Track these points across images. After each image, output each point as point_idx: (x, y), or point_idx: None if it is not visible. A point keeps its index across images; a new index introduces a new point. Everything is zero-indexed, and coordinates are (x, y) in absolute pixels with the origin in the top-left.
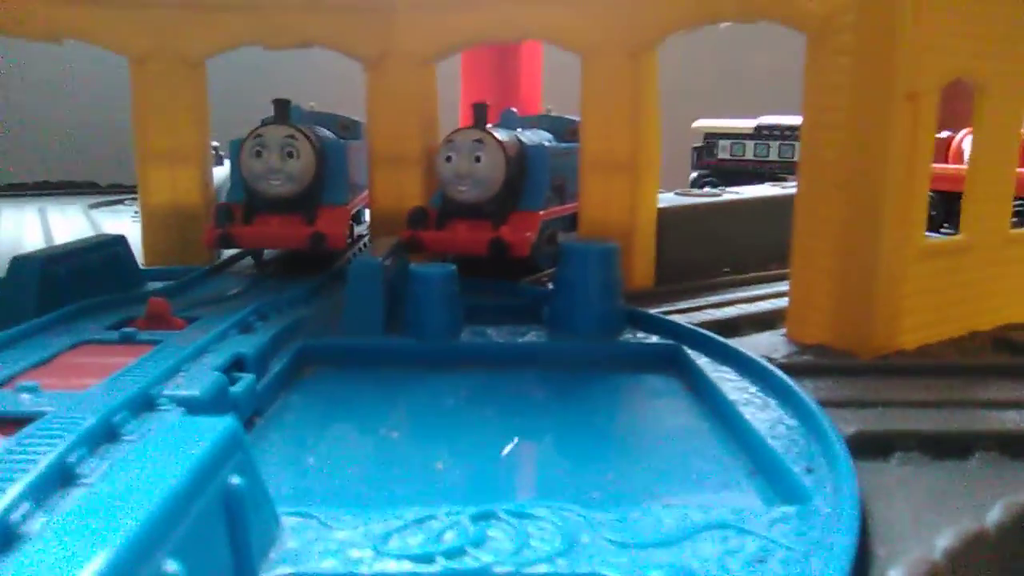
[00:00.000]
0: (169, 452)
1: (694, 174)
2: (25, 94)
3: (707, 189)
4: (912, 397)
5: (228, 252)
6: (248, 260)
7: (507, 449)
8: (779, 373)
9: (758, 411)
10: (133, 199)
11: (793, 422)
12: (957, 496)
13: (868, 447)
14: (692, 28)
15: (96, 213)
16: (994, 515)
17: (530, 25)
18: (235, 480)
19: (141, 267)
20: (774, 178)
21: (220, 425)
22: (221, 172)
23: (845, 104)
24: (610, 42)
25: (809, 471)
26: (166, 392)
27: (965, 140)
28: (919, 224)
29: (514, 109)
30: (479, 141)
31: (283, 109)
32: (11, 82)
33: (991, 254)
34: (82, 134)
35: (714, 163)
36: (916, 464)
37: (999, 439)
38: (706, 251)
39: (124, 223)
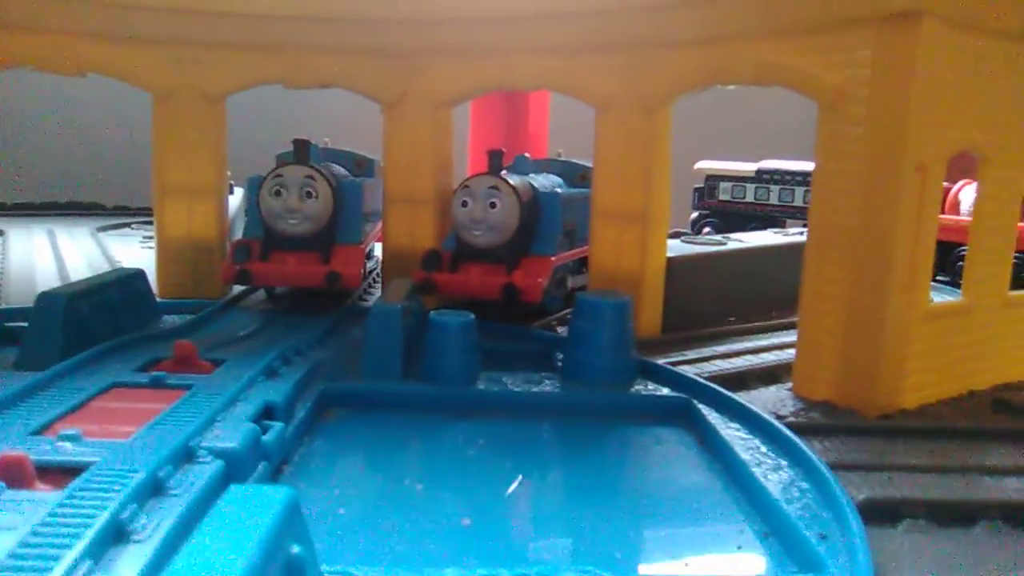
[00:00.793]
0: (238, 526)
1: (695, 214)
2: (34, 115)
3: (707, 231)
4: (918, 462)
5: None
6: (260, 293)
7: (512, 488)
8: (790, 434)
9: (771, 472)
10: (140, 223)
11: (805, 485)
12: (964, 567)
13: (877, 513)
14: (707, 88)
15: (104, 236)
16: None
17: (547, 76)
18: (295, 550)
19: (157, 299)
20: (774, 221)
21: (280, 494)
22: (233, 202)
23: (856, 171)
24: (625, 97)
25: (823, 538)
26: (204, 443)
27: (962, 191)
28: (924, 288)
29: (527, 154)
30: (494, 188)
31: (303, 149)
32: (20, 103)
33: (991, 316)
34: (89, 156)
35: (715, 204)
36: (923, 531)
37: (1002, 508)
38: (712, 299)
39: (133, 248)
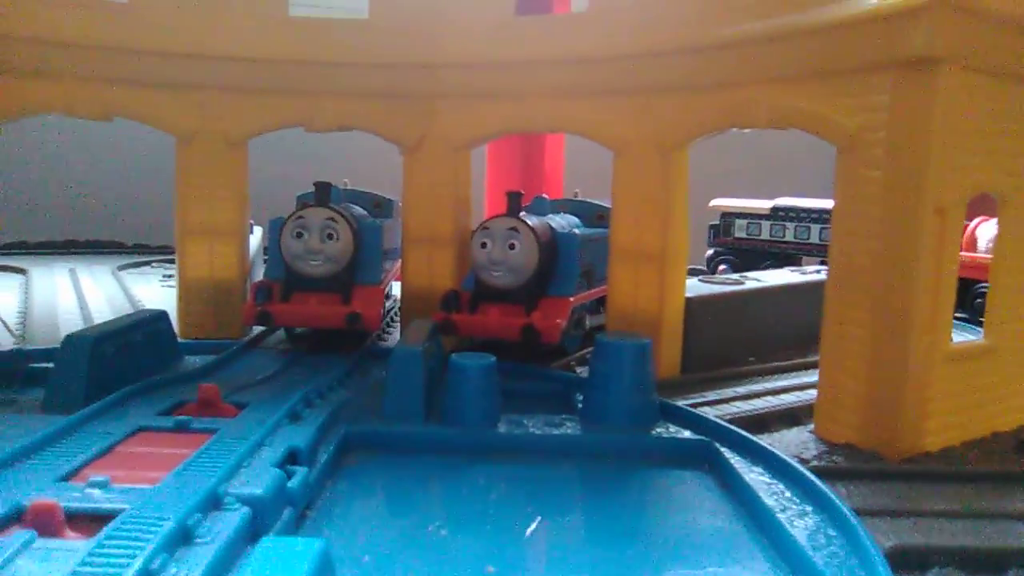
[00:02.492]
0: None
1: (710, 251)
2: (55, 156)
3: (723, 268)
4: (944, 507)
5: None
6: (280, 333)
7: (531, 528)
8: (815, 479)
9: (796, 518)
10: (160, 262)
11: (832, 532)
12: None
13: (906, 561)
14: (724, 131)
15: (124, 275)
16: None
17: (564, 119)
18: None
19: (179, 339)
20: (789, 259)
21: (312, 548)
22: (253, 242)
23: (875, 214)
24: (643, 140)
25: None
26: (231, 490)
27: (979, 228)
28: (945, 330)
29: (545, 195)
30: (514, 229)
31: (324, 192)
32: (43, 144)
33: (1013, 357)
34: (109, 195)
35: (730, 242)
36: None
37: None
38: (732, 339)
39: (154, 287)
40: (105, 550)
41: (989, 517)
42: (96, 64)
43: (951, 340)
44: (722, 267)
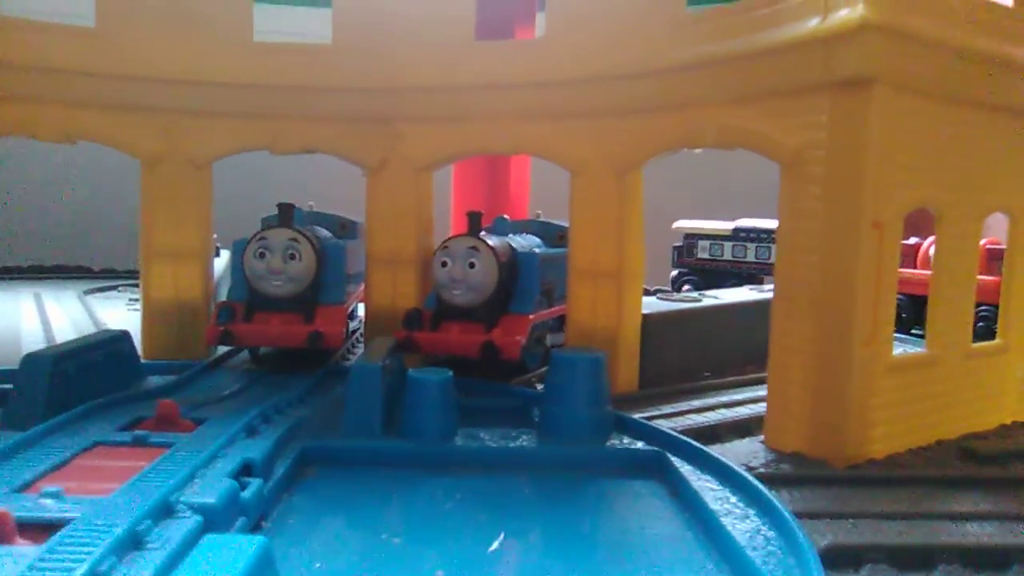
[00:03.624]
0: (212, 571)
1: (674, 272)
2: (22, 181)
3: (686, 289)
4: (881, 509)
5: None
6: (244, 354)
7: (494, 545)
8: (758, 484)
9: (738, 522)
10: (127, 285)
11: (771, 533)
12: None
13: (840, 559)
14: (674, 151)
15: (91, 299)
16: None
17: (522, 141)
18: None
19: (142, 360)
20: (751, 278)
21: (253, 543)
22: (219, 264)
23: (816, 229)
24: (598, 161)
25: None
26: (183, 499)
27: (932, 247)
28: (886, 341)
29: (506, 216)
30: (474, 248)
31: (287, 213)
32: (9, 169)
33: (954, 367)
34: (76, 220)
35: (693, 263)
36: None
37: (960, 552)
38: (687, 355)
39: (120, 311)
40: (54, 555)
41: (925, 518)
42: (61, 87)
43: (892, 350)
44: (686, 287)
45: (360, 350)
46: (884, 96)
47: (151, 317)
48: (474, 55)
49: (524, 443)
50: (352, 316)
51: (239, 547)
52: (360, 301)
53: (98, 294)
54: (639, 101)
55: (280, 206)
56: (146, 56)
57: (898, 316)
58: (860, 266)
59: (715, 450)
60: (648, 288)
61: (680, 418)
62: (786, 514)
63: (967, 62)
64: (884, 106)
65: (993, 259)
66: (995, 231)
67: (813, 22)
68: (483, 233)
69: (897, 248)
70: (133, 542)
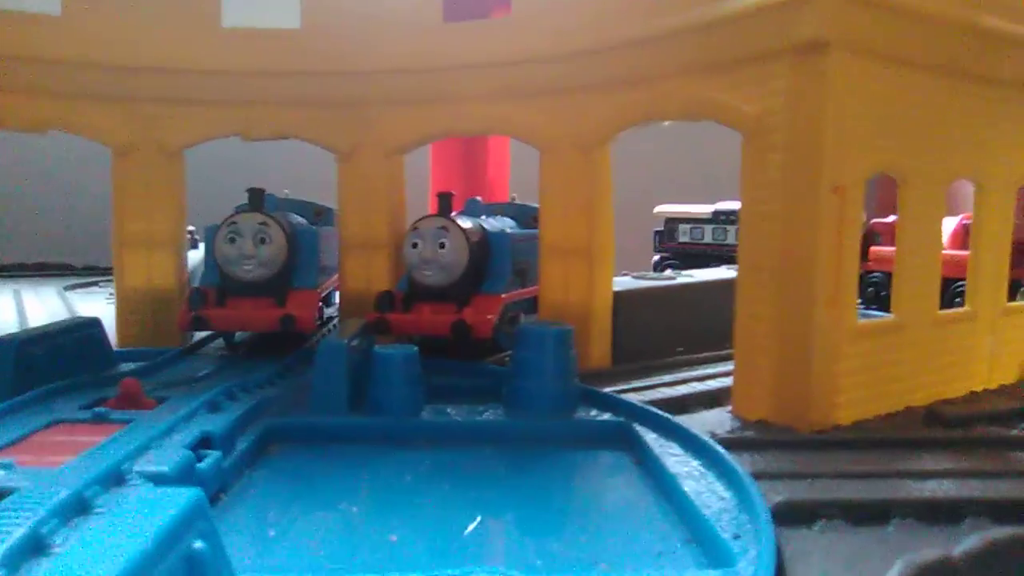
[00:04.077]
0: (137, 520)
1: (656, 256)
2: (2, 176)
3: (668, 271)
4: (840, 469)
5: (200, 334)
6: (219, 341)
7: (470, 528)
8: (717, 447)
9: (696, 484)
10: (108, 281)
11: (727, 494)
12: (870, 558)
13: (794, 515)
14: (640, 125)
15: (71, 295)
16: (893, 573)
17: (492, 121)
18: (198, 545)
19: (115, 348)
20: (732, 261)
21: (185, 494)
22: (196, 256)
23: (778, 196)
24: (565, 138)
25: (737, 538)
26: (136, 468)
27: None
28: (850, 306)
29: (479, 198)
30: (443, 228)
31: (257, 197)
32: None
33: (921, 333)
34: (57, 218)
35: (675, 246)
36: (837, 531)
37: (916, 506)
38: (661, 332)
39: (99, 304)
40: None
41: (881, 476)
42: (29, 76)
43: (856, 316)
44: (668, 271)
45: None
46: (842, 60)
47: (125, 305)
48: (442, 37)
49: (490, 416)
50: (328, 302)
51: (170, 497)
52: (336, 287)
53: (79, 289)
54: (604, 76)
55: (250, 191)
56: (113, 43)
57: (878, 294)
58: (821, 231)
59: (683, 420)
60: (630, 272)
61: (650, 391)
62: (740, 473)
63: (930, 28)
64: (842, 70)
65: (969, 234)
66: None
67: None
68: (454, 214)
69: (859, 211)
70: (79, 507)
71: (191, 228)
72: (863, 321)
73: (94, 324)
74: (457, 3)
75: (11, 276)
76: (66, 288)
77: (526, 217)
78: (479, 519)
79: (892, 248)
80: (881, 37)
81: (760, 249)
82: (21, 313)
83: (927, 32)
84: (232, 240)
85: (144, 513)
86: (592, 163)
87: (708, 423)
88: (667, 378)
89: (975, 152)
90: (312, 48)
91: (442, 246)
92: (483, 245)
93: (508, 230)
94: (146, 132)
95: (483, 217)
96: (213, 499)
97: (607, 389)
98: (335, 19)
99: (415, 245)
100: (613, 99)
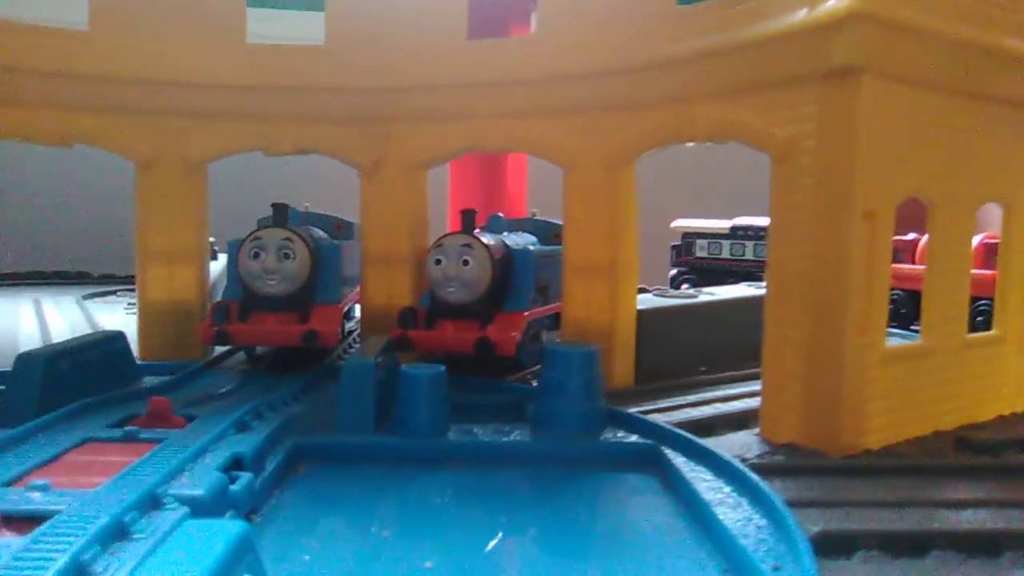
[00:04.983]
0: (189, 554)
1: (673, 271)
2: (21, 187)
3: (685, 287)
4: (874, 497)
5: (221, 347)
6: (241, 355)
7: (491, 545)
8: (750, 474)
9: (731, 511)
10: (126, 290)
11: (763, 522)
12: None
13: (833, 546)
14: (666, 146)
15: (90, 304)
16: None
17: (517, 139)
18: None
19: (138, 361)
20: (749, 276)
21: (234, 528)
22: (217, 268)
23: (808, 220)
24: (590, 157)
25: (776, 569)
26: (171, 491)
27: None
28: (879, 331)
29: (501, 214)
30: (467, 245)
31: (281, 213)
32: (8, 176)
33: (950, 358)
34: (75, 226)
35: (692, 261)
36: (877, 562)
37: (954, 538)
38: (684, 351)
39: (118, 315)
40: (38, 545)
41: (918, 505)
42: (55, 90)
43: (885, 341)
44: (685, 286)
45: (356, 349)
46: (873, 86)
47: (147, 318)
48: (466, 54)
49: (517, 437)
50: (349, 316)
51: (219, 530)
52: (357, 301)
53: (97, 299)
54: (630, 96)
55: (275, 206)
56: (139, 58)
57: (897, 312)
58: (852, 256)
59: (709, 443)
60: (646, 287)
61: (675, 412)
62: (777, 502)
63: (957, 52)
64: (874, 96)
65: (991, 254)
66: (995, 226)
67: (801, 13)
68: (477, 231)
69: (889, 238)
70: (118, 533)
71: (211, 239)
72: (892, 345)
73: (119, 338)
74: (475, 22)
75: (30, 284)
76: (84, 297)
77: (547, 233)
78: (500, 535)
79: (911, 266)
80: (910, 62)
81: (789, 272)
82: (42, 324)
83: (955, 56)
84: (256, 255)
85: (196, 546)
86: (616, 182)
87: (735, 446)
88: (691, 398)
89: (1003, 174)
90: (336, 64)
91: (466, 263)
92: (506, 262)
93: (531, 247)
94: (169, 146)
95: (505, 233)
96: (245, 520)
97: (631, 409)
98: (359, 35)
99: (438, 262)
100: (639, 119)
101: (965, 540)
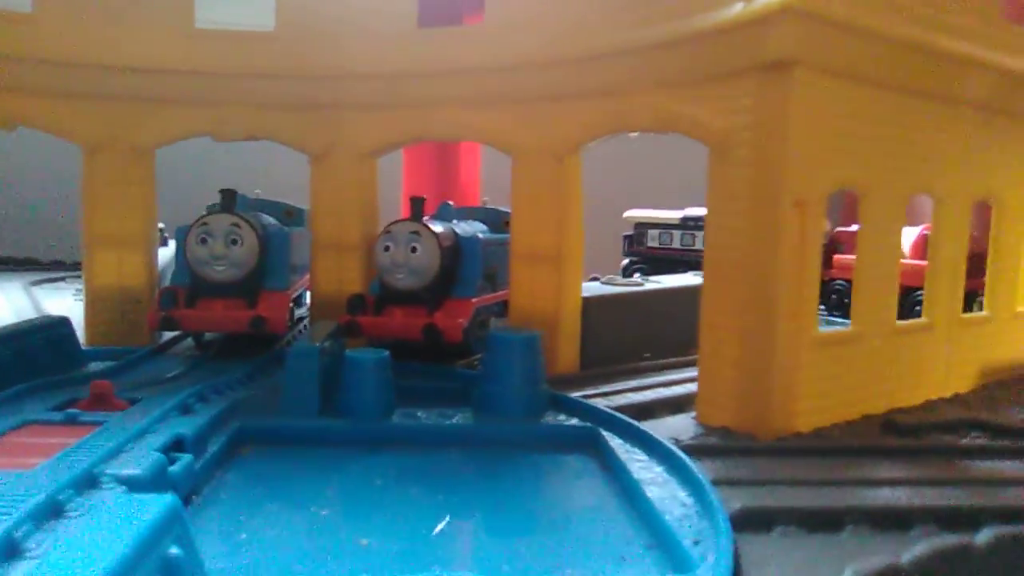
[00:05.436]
0: (114, 526)
1: (625, 261)
2: None
3: (636, 276)
4: (798, 476)
5: (170, 333)
6: (189, 341)
7: (438, 528)
8: (680, 454)
9: (659, 489)
10: (74, 277)
11: (689, 500)
12: (824, 564)
13: (753, 521)
14: (610, 135)
15: (37, 290)
16: None
17: (465, 127)
18: (174, 551)
19: (84, 347)
20: (699, 266)
21: (161, 500)
22: (166, 253)
23: (742, 209)
24: (537, 146)
25: (696, 543)
26: (109, 471)
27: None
28: (811, 316)
29: (450, 202)
30: (415, 233)
31: (229, 199)
32: None
33: (880, 344)
34: (23, 212)
35: (644, 251)
36: (794, 537)
37: (869, 513)
38: (629, 337)
39: (66, 301)
40: None
41: (838, 484)
42: None
43: (817, 326)
44: (636, 275)
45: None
46: (806, 79)
47: (94, 304)
48: (415, 42)
49: (460, 421)
50: (299, 303)
51: (146, 503)
52: (307, 288)
53: (45, 285)
54: (575, 86)
55: (223, 192)
56: (86, 42)
57: (841, 301)
58: (783, 244)
59: (647, 426)
60: (598, 276)
61: (617, 396)
62: (702, 480)
63: (889, 47)
64: (806, 89)
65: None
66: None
67: (738, 7)
68: (426, 218)
69: (820, 226)
70: (53, 511)
71: (161, 226)
72: (823, 331)
73: (63, 323)
74: (430, 9)
75: None
76: (32, 283)
77: (498, 221)
78: (448, 518)
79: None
80: (843, 56)
81: (724, 260)
82: None
83: (887, 52)
84: (204, 241)
85: (121, 518)
86: (563, 171)
87: (673, 429)
88: (634, 383)
89: (933, 168)
90: (286, 50)
91: (414, 250)
92: (455, 249)
93: (479, 234)
94: (117, 131)
95: (455, 221)
96: (185, 501)
97: (575, 394)
98: (309, 22)
99: (387, 248)
100: (585, 109)
101: (879, 516)
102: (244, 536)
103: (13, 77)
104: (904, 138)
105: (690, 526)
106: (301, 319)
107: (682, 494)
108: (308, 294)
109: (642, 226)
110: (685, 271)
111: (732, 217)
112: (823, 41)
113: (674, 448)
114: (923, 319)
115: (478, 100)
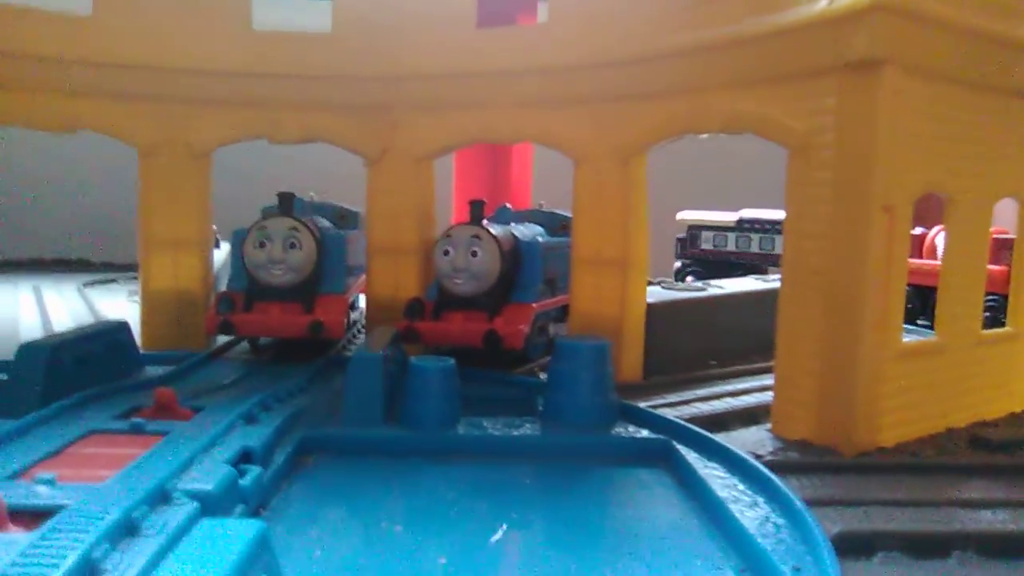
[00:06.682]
0: (207, 555)
1: (678, 264)
2: (21, 174)
3: (690, 280)
4: (893, 496)
5: (224, 337)
6: (244, 345)
7: (495, 537)
8: (767, 471)
9: (747, 509)
10: (126, 278)
11: (781, 521)
12: None
13: (852, 547)
14: (679, 138)
15: (90, 292)
16: None
17: (526, 129)
18: None
19: (140, 351)
20: (754, 270)
21: (250, 527)
22: (219, 256)
23: (825, 215)
24: (600, 148)
25: (797, 570)
26: (180, 486)
27: (938, 236)
28: (896, 327)
29: (508, 205)
30: (476, 236)
31: (287, 202)
32: (8, 162)
33: (964, 354)
34: (77, 214)
35: (697, 253)
36: (898, 563)
37: (975, 539)
38: (693, 344)
39: (120, 302)
40: (47, 542)
41: (936, 505)
42: (58, 76)
43: (902, 338)
44: (689, 278)
45: (361, 340)
46: (894, 79)
47: (150, 307)
48: (475, 43)
49: (527, 431)
50: (353, 307)
51: (236, 531)
52: (361, 291)
53: (98, 286)
54: (643, 86)
55: (280, 195)
56: (143, 44)
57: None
58: (871, 251)
59: (721, 438)
60: (651, 279)
61: (686, 407)
62: (796, 501)
63: (979, 44)
64: (894, 89)
65: (1000, 248)
66: (1001, 221)
67: (822, 3)
68: (486, 222)
69: (907, 232)
70: (128, 529)
71: (213, 227)
72: (907, 342)
73: (122, 328)
74: (482, 9)
75: (30, 272)
76: (85, 285)
77: (554, 224)
78: (504, 527)
79: (918, 260)
80: (931, 55)
81: (805, 267)
82: (43, 313)
83: (976, 49)
84: (262, 245)
85: (213, 546)
86: (627, 174)
87: (748, 442)
88: (701, 393)
89: (1020, 170)
90: (343, 52)
91: (474, 254)
92: (514, 253)
93: (539, 238)
94: (173, 133)
95: (513, 224)
96: (254, 515)
97: (641, 403)
98: (366, 23)
99: (447, 252)
100: (653, 110)
101: (987, 541)
102: (319, 554)
103: (72, 80)
104: (993, 139)
105: (787, 551)
106: (355, 323)
107: (773, 515)
108: (362, 297)
109: (695, 228)
110: (740, 274)
111: (813, 221)
112: (913, 39)
113: (758, 464)
114: (1008, 328)
115: (540, 101)
